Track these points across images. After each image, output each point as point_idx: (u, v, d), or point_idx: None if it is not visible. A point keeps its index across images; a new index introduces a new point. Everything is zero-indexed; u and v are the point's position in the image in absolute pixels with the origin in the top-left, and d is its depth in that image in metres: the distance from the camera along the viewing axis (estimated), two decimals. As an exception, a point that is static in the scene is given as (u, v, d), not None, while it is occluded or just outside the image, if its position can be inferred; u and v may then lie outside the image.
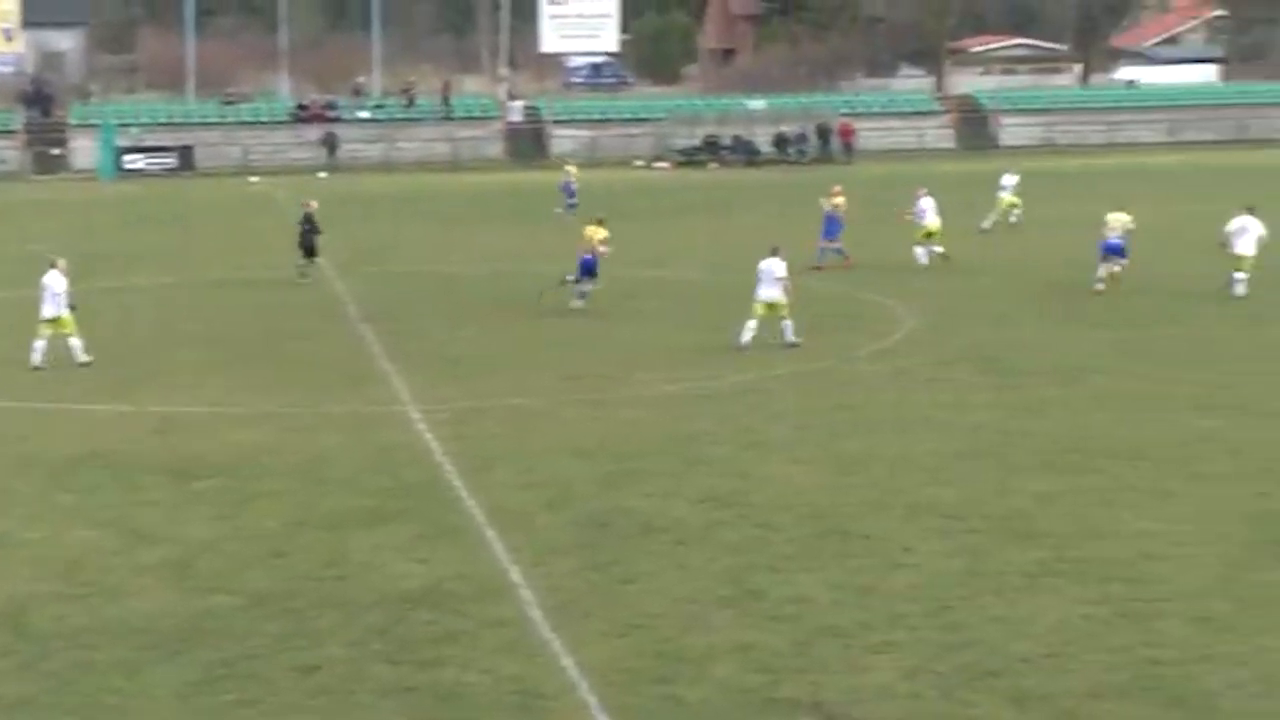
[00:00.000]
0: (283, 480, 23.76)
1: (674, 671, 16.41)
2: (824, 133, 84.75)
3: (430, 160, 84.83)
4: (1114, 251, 39.90)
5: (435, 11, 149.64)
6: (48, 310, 32.31)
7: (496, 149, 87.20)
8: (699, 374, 31.05)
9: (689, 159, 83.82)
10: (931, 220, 45.47)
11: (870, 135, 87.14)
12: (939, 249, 45.04)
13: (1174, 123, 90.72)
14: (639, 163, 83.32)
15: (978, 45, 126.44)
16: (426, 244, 53.11)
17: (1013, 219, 53.13)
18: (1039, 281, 41.46)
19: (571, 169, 62.84)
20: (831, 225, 45.37)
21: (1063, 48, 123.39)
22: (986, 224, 52.53)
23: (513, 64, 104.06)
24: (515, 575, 19.35)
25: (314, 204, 45.03)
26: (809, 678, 16.22)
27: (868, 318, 36.96)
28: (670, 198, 61.94)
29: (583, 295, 38.68)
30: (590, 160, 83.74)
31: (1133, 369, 30.65)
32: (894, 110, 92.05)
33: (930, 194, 45.93)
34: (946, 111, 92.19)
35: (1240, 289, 38.48)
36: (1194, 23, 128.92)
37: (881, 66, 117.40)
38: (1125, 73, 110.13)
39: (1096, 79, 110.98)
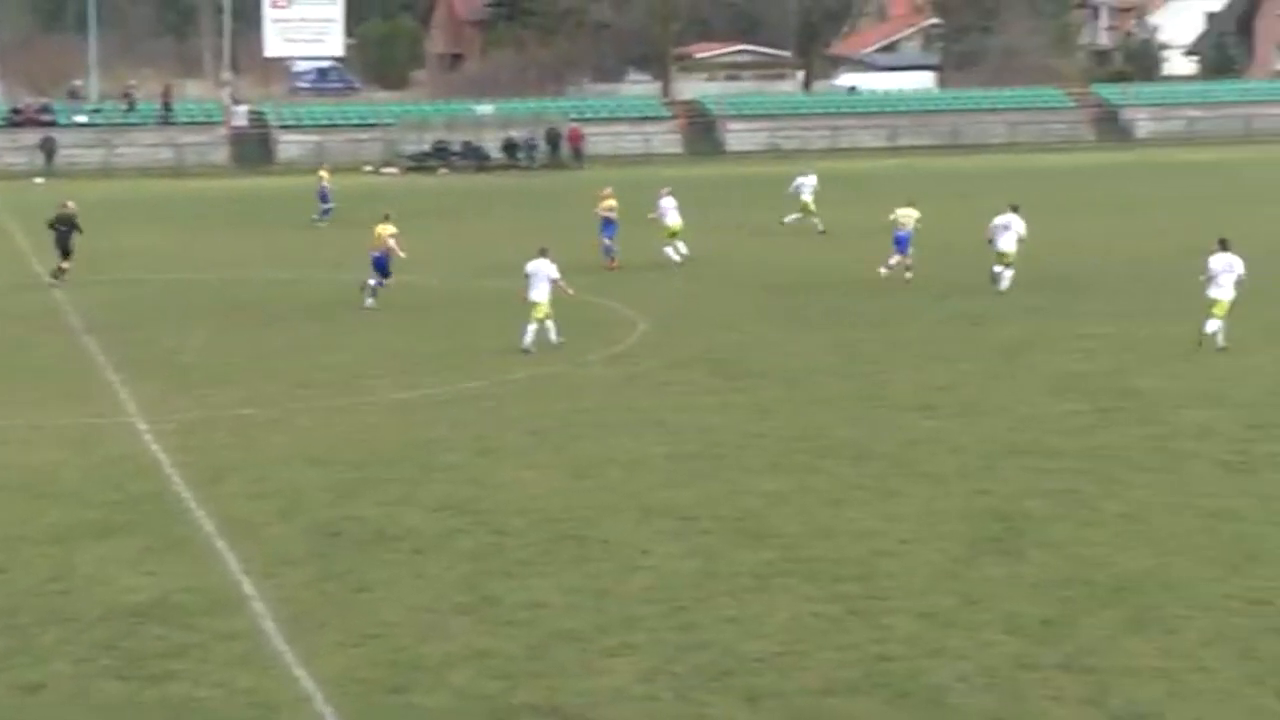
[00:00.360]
0: None
1: (411, 680, 16.34)
2: (554, 138, 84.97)
3: (152, 166, 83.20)
4: (902, 244, 42.05)
5: (154, 14, 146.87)
6: None
7: (221, 154, 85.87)
8: (432, 380, 30.95)
9: (418, 165, 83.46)
10: (673, 220, 46.29)
11: (599, 140, 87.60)
12: (682, 247, 45.71)
13: (893, 128, 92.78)
14: (368, 168, 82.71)
15: (703, 51, 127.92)
16: (150, 251, 52.11)
17: (804, 220, 53.38)
18: (767, 285, 42.05)
19: (325, 174, 62.08)
20: (608, 227, 46.17)
21: (785, 54, 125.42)
22: (789, 219, 53.15)
23: (236, 68, 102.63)
24: (247, 587, 19.09)
25: (71, 204, 44.07)
26: (546, 682, 16.27)
27: (600, 322, 37.16)
28: (400, 204, 61.44)
29: (373, 294, 39.09)
30: (317, 167, 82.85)
31: (857, 369, 31.29)
32: (622, 115, 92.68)
33: (672, 194, 46.52)
34: (674, 117, 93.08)
35: (1004, 284, 39.92)
36: (911, 30, 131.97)
37: (608, 72, 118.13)
38: (846, 79, 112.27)
39: (818, 85, 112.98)
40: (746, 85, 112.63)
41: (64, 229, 43.52)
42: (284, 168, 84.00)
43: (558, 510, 22.06)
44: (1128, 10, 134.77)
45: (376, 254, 39.38)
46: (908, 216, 42.51)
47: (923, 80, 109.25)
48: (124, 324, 37.85)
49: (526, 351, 33.14)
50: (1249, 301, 37.67)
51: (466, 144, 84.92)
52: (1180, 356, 31.93)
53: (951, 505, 22.06)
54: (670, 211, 46.63)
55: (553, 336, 33.55)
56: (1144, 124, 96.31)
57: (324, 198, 59.06)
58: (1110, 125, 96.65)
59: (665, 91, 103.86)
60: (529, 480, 23.68)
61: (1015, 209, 40.78)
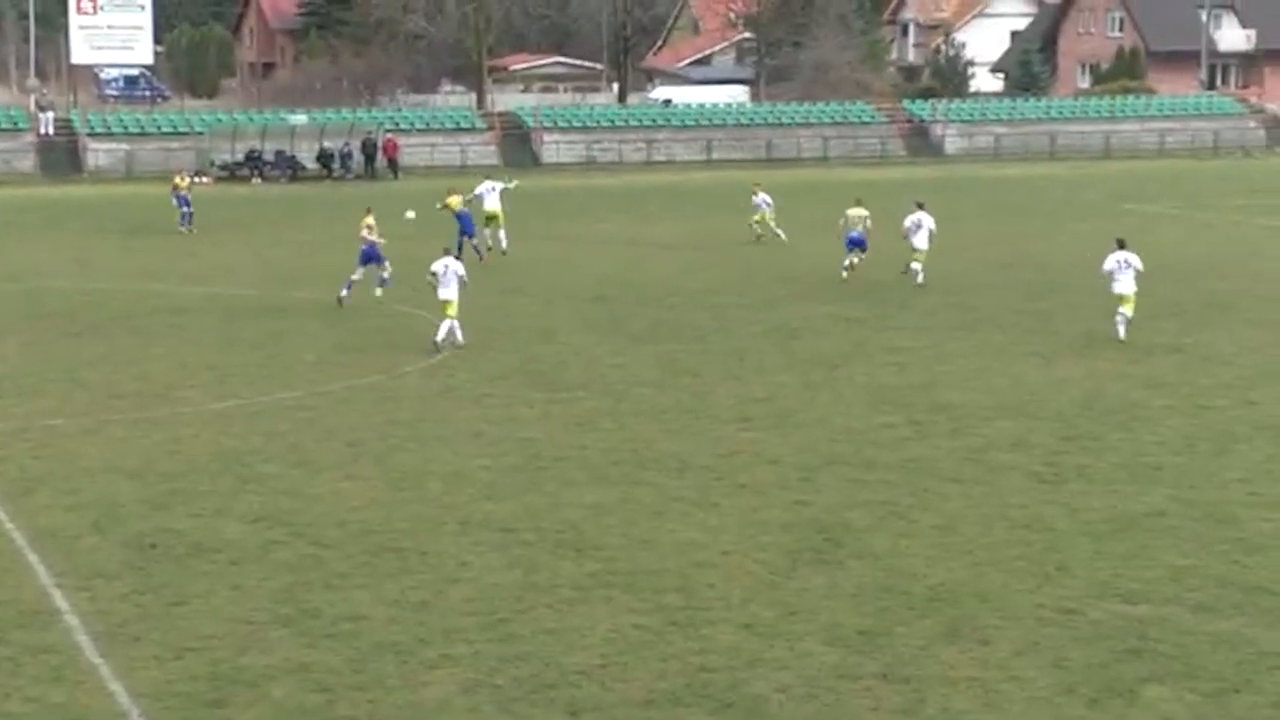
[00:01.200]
0: None
1: (230, 693, 16.16)
2: (369, 149, 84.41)
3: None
4: (856, 244, 43.73)
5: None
6: None
7: (28, 162, 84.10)
8: (248, 391, 30.61)
9: (231, 174, 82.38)
10: (491, 204, 49.33)
11: (414, 151, 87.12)
12: (503, 236, 48.36)
13: (708, 141, 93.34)
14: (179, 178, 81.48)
15: (517, 63, 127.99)
16: (-46, 259, 50.94)
17: (762, 231, 53.30)
18: (586, 297, 42.13)
19: (181, 180, 61.02)
20: (465, 221, 47.52)
21: (599, 67, 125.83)
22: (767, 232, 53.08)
23: (41, 75, 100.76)
24: (60, 600, 18.76)
25: None
26: (367, 695, 16.17)
27: (417, 333, 36.95)
28: (213, 213, 60.76)
29: (381, 283, 40.18)
30: (129, 175, 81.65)
31: (677, 382, 31.43)
32: (437, 126, 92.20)
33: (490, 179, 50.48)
34: (490, 128, 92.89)
35: (919, 278, 42.68)
36: (724, 44, 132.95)
37: (423, 83, 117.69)
38: (660, 92, 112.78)
39: (633, 98, 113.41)
40: (562, 97, 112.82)
41: None
42: (93, 176, 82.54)
43: (377, 522, 21.93)
44: (935, 27, 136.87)
45: (366, 246, 40.20)
46: (857, 216, 44.11)
47: (737, 94, 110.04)
48: (-73, 334, 36.97)
49: (437, 347, 33.85)
50: (1059, 315, 38.54)
51: (280, 153, 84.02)
52: (991, 369, 32.46)
53: (770, 516, 22.27)
54: (489, 195, 49.13)
55: (459, 337, 34.08)
56: (953, 140, 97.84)
57: (184, 202, 57.92)
58: (920, 140, 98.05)
59: (480, 103, 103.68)
60: (347, 492, 23.52)
61: (922, 206, 43.70)
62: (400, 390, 30.84)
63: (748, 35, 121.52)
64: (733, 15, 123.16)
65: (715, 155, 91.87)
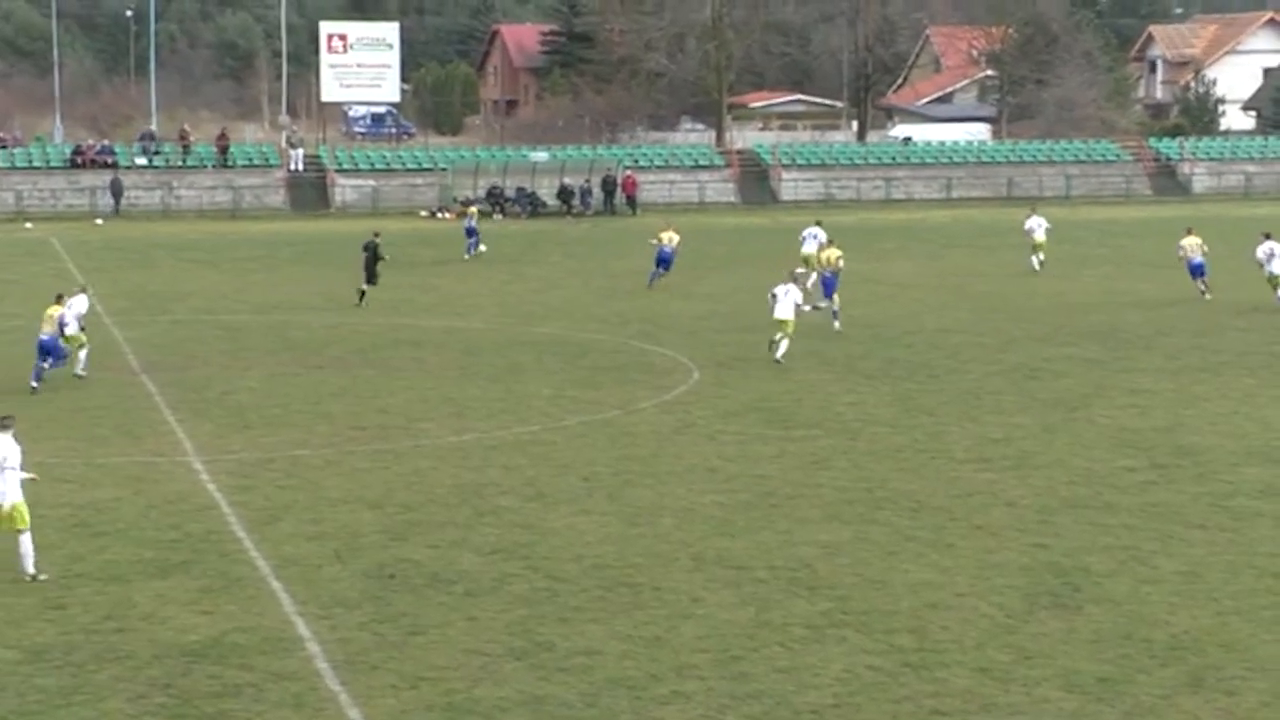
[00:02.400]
0: (54, 532, 23.16)
1: (464, 725, 16.32)
2: (608, 185, 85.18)
3: (210, 208, 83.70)
4: (1198, 270, 47.19)
5: (213, 58, 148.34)
6: None
7: (278, 198, 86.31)
8: (485, 425, 30.98)
9: (461, 210, 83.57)
10: (809, 248, 51.10)
11: (653, 188, 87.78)
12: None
13: (948, 179, 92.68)
14: (423, 213, 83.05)
15: (757, 100, 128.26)
16: (207, 292, 52.37)
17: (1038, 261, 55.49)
18: (821, 335, 41.95)
19: (473, 211, 64.36)
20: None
21: (838, 104, 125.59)
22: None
23: (292, 112, 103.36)
24: (302, 627, 19.12)
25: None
26: (600, 730, 16.23)
27: (654, 369, 37.15)
28: (455, 248, 61.78)
29: (828, 310, 42.30)
30: (374, 210, 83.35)
31: (912, 421, 31.16)
32: (676, 164, 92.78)
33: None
34: (728, 165, 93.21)
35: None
36: (966, 82, 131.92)
37: (662, 120, 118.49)
38: (900, 130, 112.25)
39: (872, 136, 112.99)
40: (800, 135, 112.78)
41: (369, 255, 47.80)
42: (339, 211, 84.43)
43: (610, 557, 22.03)
44: (1184, 64, 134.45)
45: (826, 275, 43.41)
46: (1194, 245, 47.74)
47: (978, 131, 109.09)
48: (180, 364, 38.03)
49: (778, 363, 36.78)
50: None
51: (521, 190, 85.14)
52: (1239, 413, 31.68)
53: (1007, 559, 21.94)
54: (808, 240, 51.21)
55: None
56: (1201, 178, 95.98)
57: (471, 233, 61.12)
58: (1167, 179, 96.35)
59: (719, 140, 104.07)
60: (582, 526, 23.66)
61: (1269, 236, 46.23)
62: (635, 426, 30.99)
63: (990, 73, 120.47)
64: (975, 52, 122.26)
65: (955, 193, 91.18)
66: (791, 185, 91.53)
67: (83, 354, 35.77)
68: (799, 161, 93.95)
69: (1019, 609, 19.85)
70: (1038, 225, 56.77)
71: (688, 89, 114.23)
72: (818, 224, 54.13)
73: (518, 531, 23.33)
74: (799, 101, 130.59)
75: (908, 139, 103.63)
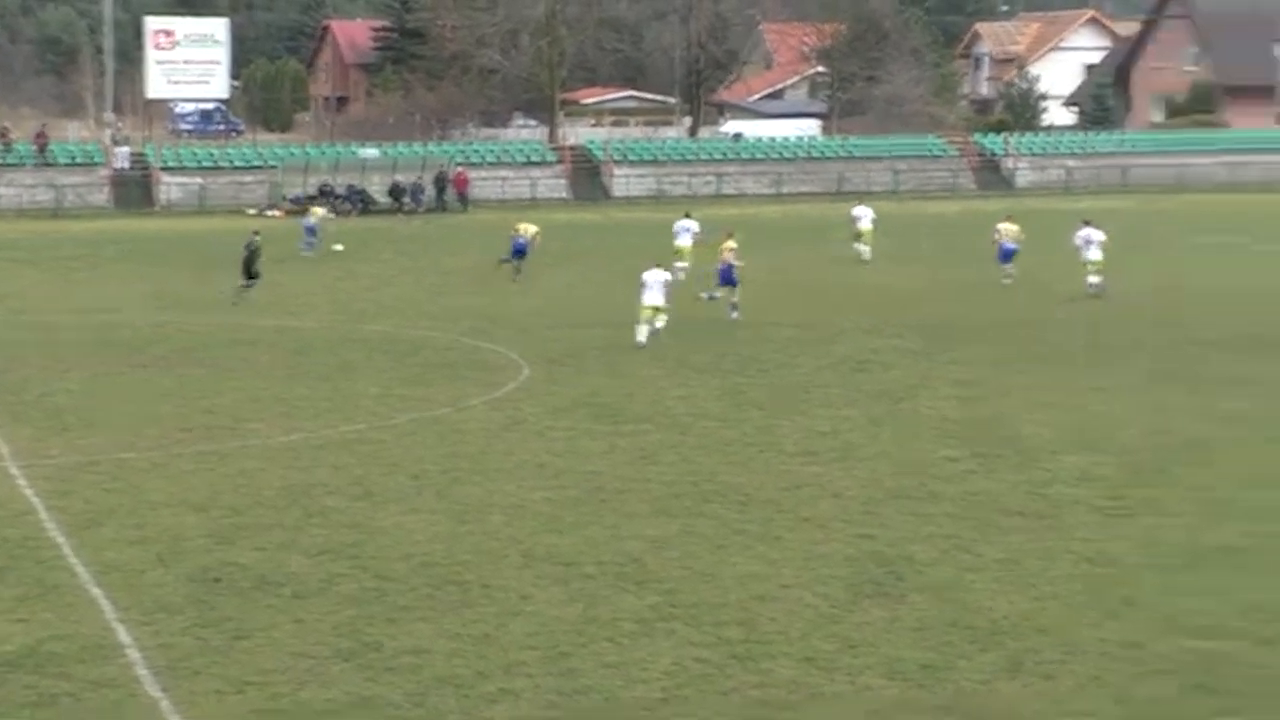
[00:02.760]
0: (-128, 540, 22.66)
1: (289, 727, 16.19)
2: (440, 182, 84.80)
3: (31, 207, 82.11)
4: (1009, 255, 49.84)
5: (35, 53, 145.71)
6: None
7: (102, 196, 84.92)
8: (314, 425, 30.73)
9: (303, 207, 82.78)
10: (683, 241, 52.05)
11: (485, 185, 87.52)
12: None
13: (779, 175, 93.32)
14: (251, 211, 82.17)
15: (589, 97, 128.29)
16: (27, 293, 51.46)
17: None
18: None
19: (318, 210, 65.03)
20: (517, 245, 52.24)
21: (671, 100, 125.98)
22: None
23: (118, 109, 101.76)
24: (122, 634, 18.82)
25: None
26: (426, 729, 16.17)
27: (484, 366, 37.08)
28: (284, 246, 61.20)
29: (733, 306, 42.83)
30: (201, 209, 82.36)
31: (742, 415, 31.37)
32: (508, 160, 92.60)
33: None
34: (560, 162, 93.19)
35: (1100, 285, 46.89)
36: (796, 79, 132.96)
37: (495, 116, 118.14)
38: (731, 126, 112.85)
39: (704, 132, 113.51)
40: (633, 131, 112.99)
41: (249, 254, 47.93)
42: (165, 210, 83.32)
43: (439, 555, 21.95)
44: (1008, 61, 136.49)
45: (722, 266, 43.47)
46: (1010, 231, 50.27)
47: (808, 127, 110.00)
48: None
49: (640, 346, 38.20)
50: (1126, 348, 38.29)
51: (351, 187, 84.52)
52: (1057, 403, 32.24)
53: (832, 550, 22.17)
54: (682, 234, 52.23)
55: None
56: (1024, 173, 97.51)
57: (310, 230, 61.65)
58: (991, 174, 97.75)
59: (552, 136, 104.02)
60: (411, 525, 23.55)
61: (1089, 222, 48.88)
62: (465, 423, 30.91)
63: (820, 69, 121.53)
64: (806, 49, 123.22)
65: (785, 189, 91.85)
66: (624, 181, 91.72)
67: None
68: (631, 158, 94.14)
69: (844, 599, 20.06)
70: (863, 214, 58.08)
71: (520, 85, 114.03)
72: (688, 215, 54.46)
73: (346, 531, 23.18)
74: (632, 98, 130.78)
75: (739, 135, 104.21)
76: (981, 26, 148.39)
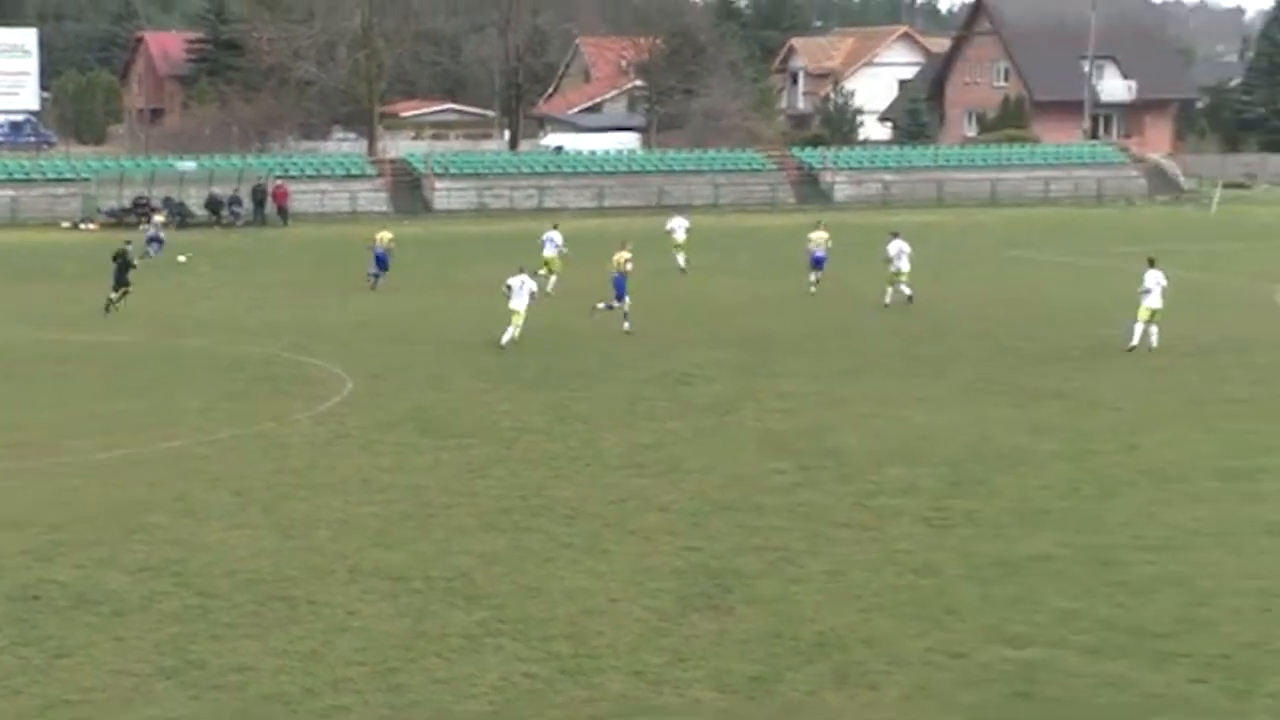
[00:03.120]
0: None
1: (114, 748, 15.95)
2: (258, 195, 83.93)
3: None
4: (818, 262, 51.18)
5: None
6: None
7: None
8: (134, 440, 30.28)
9: (118, 220, 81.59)
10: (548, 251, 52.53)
11: (304, 198, 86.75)
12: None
13: (600, 188, 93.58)
14: (65, 224, 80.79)
15: (409, 110, 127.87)
16: None
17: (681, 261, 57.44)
18: (477, 343, 41.97)
19: (158, 218, 66.15)
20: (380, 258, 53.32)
21: (491, 114, 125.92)
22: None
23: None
24: (-60, 655, 18.44)
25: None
26: (255, 748, 16.00)
27: (307, 380, 36.76)
28: (98, 259, 60.17)
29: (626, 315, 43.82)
30: (13, 222, 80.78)
31: (567, 429, 31.40)
32: (328, 173, 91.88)
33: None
34: (380, 175, 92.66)
35: (908, 294, 48.04)
36: (615, 92, 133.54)
37: (313, 129, 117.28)
38: (552, 139, 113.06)
39: (525, 145, 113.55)
40: (454, 144, 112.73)
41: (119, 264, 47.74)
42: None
43: (265, 571, 21.74)
44: (824, 76, 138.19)
45: (616, 275, 44.04)
46: (819, 239, 51.64)
47: (628, 141, 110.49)
48: None
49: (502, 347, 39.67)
50: (947, 360, 38.89)
51: (168, 200, 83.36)
52: (880, 415, 32.66)
53: (660, 562, 22.26)
54: (547, 245, 52.40)
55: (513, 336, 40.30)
56: (842, 187, 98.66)
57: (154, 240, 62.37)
58: (810, 188, 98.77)
59: (371, 149, 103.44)
60: (235, 541, 23.29)
61: (897, 235, 48.93)
62: (289, 438, 30.62)
63: (639, 83, 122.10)
64: (624, 63, 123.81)
65: (607, 202, 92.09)
66: (444, 195, 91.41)
67: None
68: (452, 171, 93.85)
69: (672, 612, 20.16)
70: (678, 225, 59.27)
71: (339, 98, 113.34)
72: (555, 228, 54.42)
73: (168, 548, 22.86)
74: (451, 111, 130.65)
75: (559, 148, 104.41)
76: (797, 42, 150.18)
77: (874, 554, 22.68)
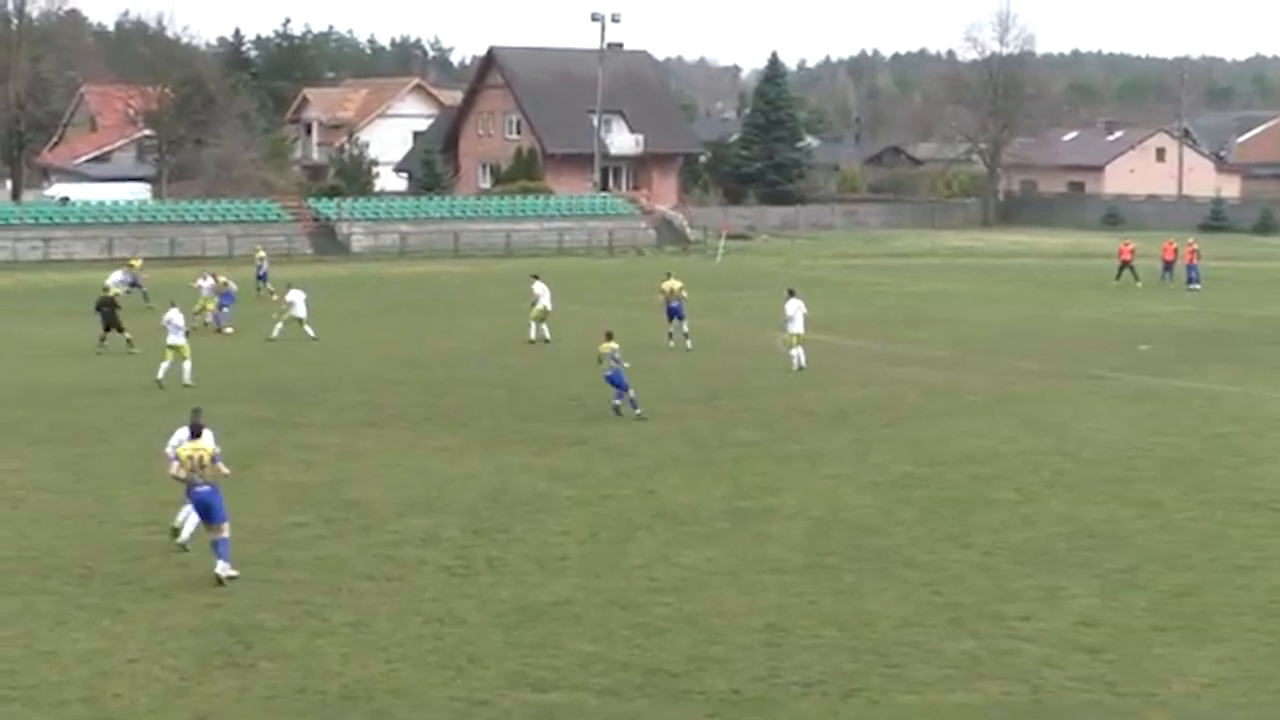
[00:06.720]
0: None
1: None
2: None
3: None
4: (675, 313, 51.50)
5: None
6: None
7: None
8: None
9: None
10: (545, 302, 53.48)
11: None
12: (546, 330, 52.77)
13: (109, 239, 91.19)
14: None
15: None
16: None
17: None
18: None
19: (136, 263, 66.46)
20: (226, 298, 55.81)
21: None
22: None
23: None
24: None
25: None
26: None
27: None
28: None
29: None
30: None
31: (81, 486, 30.47)
32: None
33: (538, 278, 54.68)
34: None
35: (802, 361, 46.18)
36: (124, 141, 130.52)
37: None
38: (57, 189, 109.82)
39: (28, 195, 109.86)
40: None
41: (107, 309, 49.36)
42: None
43: None
44: (338, 127, 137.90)
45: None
46: (673, 289, 51.79)
47: (139, 191, 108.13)
48: None
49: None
50: (466, 409, 39.22)
51: None
52: (400, 465, 32.71)
53: (179, 621, 21.84)
54: (544, 295, 53.45)
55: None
56: (359, 238, 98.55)
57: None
58: (327, 239, 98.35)
59: None
60: None
61: (794, 293, 47.14)
62: None
63: (148, 132, 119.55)
64: (132, 112, 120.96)
65: (117, 253, 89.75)
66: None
67: None
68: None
69: (193, 670, 19.80)
70: (204, 282, 57.68)
71: None
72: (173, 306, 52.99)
73: None
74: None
75: (65, 199, 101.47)
76: (310, 92, 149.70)
77: (398, 604, 22.72)
